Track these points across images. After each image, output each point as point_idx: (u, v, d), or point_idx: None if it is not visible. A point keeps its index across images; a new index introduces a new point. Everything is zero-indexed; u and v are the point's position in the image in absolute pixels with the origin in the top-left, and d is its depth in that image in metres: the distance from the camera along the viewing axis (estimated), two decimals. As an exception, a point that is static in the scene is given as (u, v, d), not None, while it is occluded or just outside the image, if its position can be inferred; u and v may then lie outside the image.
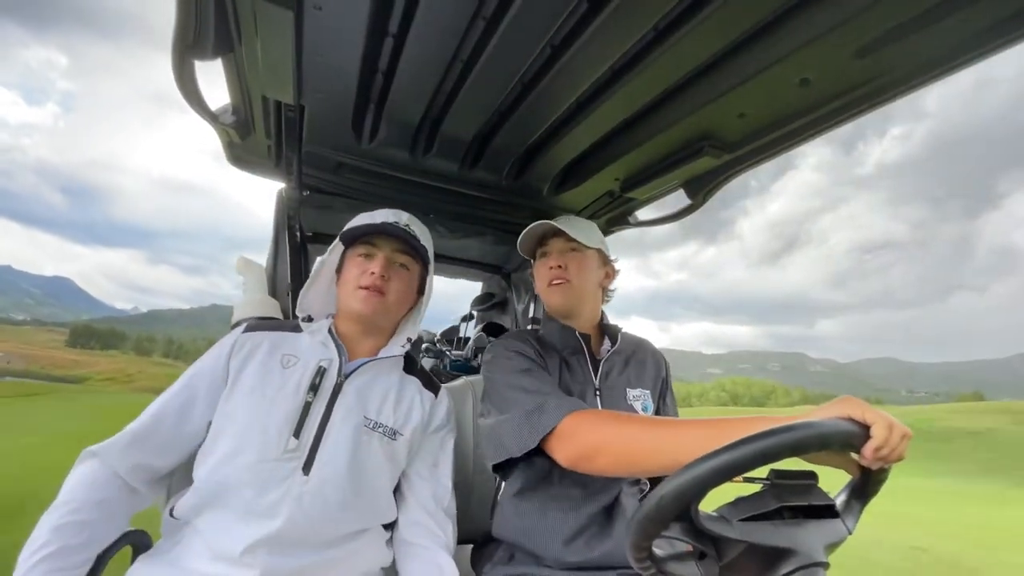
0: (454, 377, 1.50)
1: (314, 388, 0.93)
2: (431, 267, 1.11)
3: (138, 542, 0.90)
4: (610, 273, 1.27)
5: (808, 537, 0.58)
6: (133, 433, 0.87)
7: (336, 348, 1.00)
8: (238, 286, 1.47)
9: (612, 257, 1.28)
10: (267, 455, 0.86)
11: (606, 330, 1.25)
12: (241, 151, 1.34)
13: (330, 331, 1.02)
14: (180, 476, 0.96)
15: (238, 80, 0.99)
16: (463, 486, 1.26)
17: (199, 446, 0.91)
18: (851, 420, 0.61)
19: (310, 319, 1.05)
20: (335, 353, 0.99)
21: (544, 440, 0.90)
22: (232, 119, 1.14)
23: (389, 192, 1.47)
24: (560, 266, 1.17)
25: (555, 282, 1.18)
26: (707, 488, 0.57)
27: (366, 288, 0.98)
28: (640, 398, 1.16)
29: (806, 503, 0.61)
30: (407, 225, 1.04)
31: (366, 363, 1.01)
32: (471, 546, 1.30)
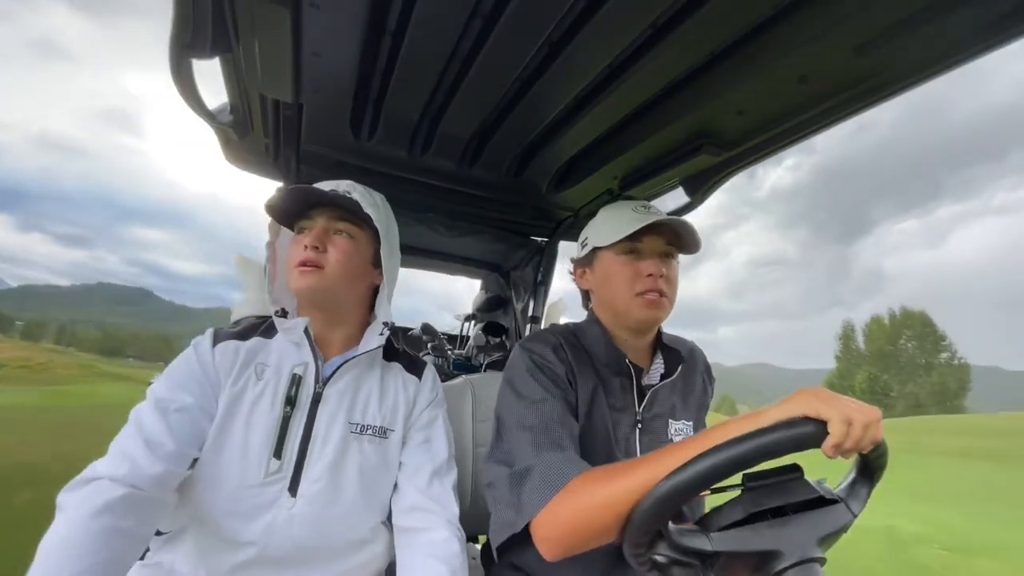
0: (455, 376, 1.51)
1: (291, 401, 0.86)
2: (389, 241, 0.97)
3: None
4: None
5: (794, 534, 0.58)
6: (146, 437, 0.76)
7: (311, 350, 0.91)
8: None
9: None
10: (248, 480, 0.81)
11: (663, 349, 1.01)
12: (239, 150, 1.33)
13: (306, 331, 0.91)
14: None
15: (236, 79, 0.98)
16: (466, 485, 1.26)
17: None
18: (806, 418, 0.59)
19: (284, 313, 0.93)
20: (310, 356, 0.91)
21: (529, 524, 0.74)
22: (230, 118, 1.14)
23: (387, 190, 1.48)
24: (661, 275, 0.90)
25: (650, 294, 0.90)
26: (664, 512, 0.57)
27: (301, 264, 0.87)
28: (682, 432, 0.96)
29: (787, 501, 0.60)
30: (347, 192, 0.91)
31: (345, 363, 0.92)
32: (477, 544, 1.30)
